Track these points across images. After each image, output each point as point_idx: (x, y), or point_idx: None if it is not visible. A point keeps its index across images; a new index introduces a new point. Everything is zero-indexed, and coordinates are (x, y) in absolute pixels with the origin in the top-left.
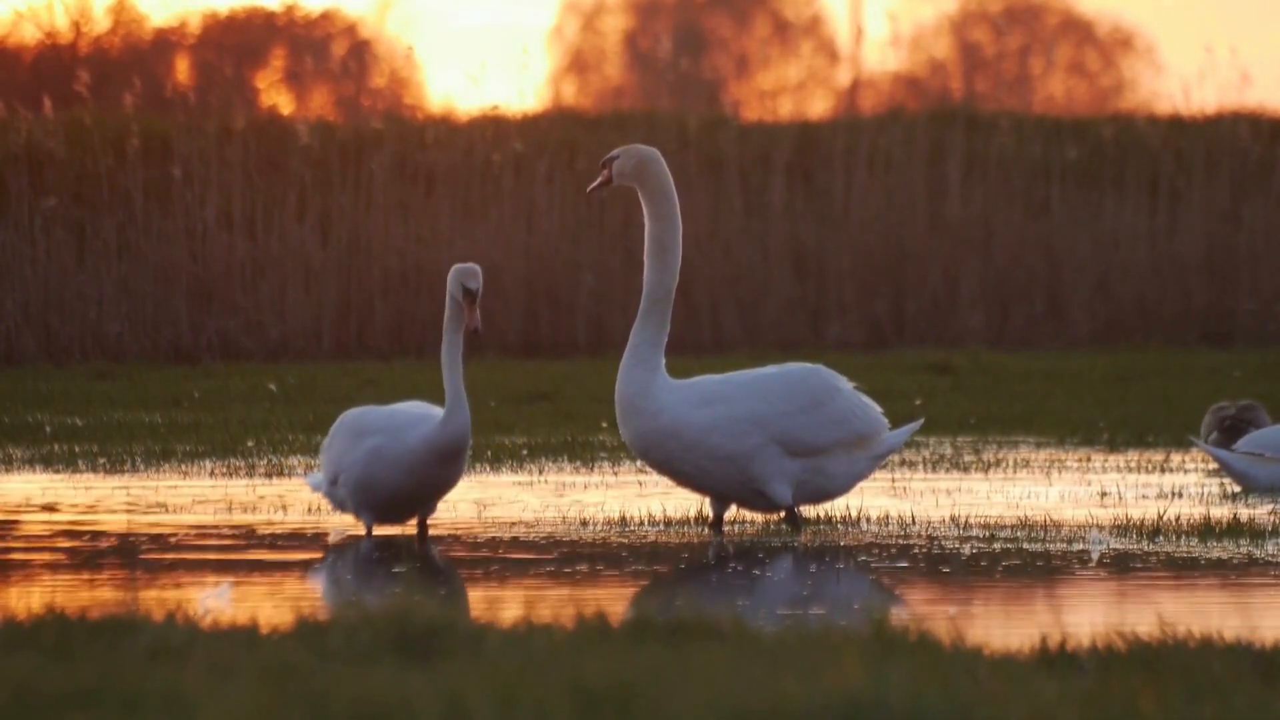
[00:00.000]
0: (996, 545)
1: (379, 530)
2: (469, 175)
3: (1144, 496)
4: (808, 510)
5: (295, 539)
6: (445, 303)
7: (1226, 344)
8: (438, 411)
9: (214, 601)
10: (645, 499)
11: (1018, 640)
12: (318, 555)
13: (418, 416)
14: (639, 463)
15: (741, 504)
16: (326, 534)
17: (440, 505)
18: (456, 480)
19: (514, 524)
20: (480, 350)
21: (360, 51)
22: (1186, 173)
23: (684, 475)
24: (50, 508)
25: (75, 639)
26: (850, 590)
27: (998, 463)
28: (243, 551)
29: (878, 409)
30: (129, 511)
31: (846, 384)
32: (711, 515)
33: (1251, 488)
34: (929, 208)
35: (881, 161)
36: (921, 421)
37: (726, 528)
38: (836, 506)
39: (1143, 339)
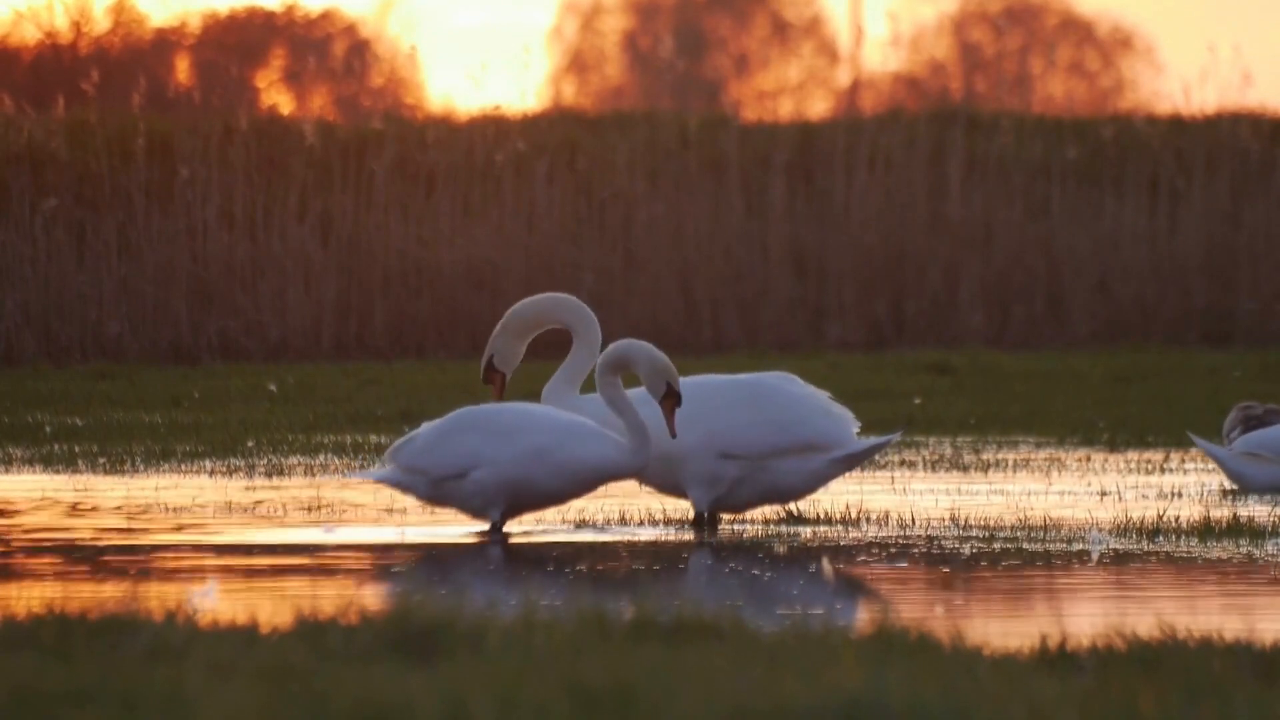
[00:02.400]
0: (996, 545)
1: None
2: (469, 175)
3: (1144, 496)
4: (806, 508)
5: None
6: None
7: (1226, 344)
8: (587, 422)
9: (202, 600)
10: (645, 499)
11: (1018, 640)
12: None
13: (580, 425)
14: None
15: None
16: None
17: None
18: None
19: (514, 523)
20: (481, 350)
21: (360, 51)
22: (1186, 173)
23: None
24: (76, 509)
25: (75, 639)
26: (839, 591)
27: (998, 463)
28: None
29: (843, 416)
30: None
31: (805, 390)
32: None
33: (1247, 487)
34: (929, 208)
35: (881, 161)
36: (900, 434)
37: (725, 528)
38: (836, 506)
39: (1143, 339)
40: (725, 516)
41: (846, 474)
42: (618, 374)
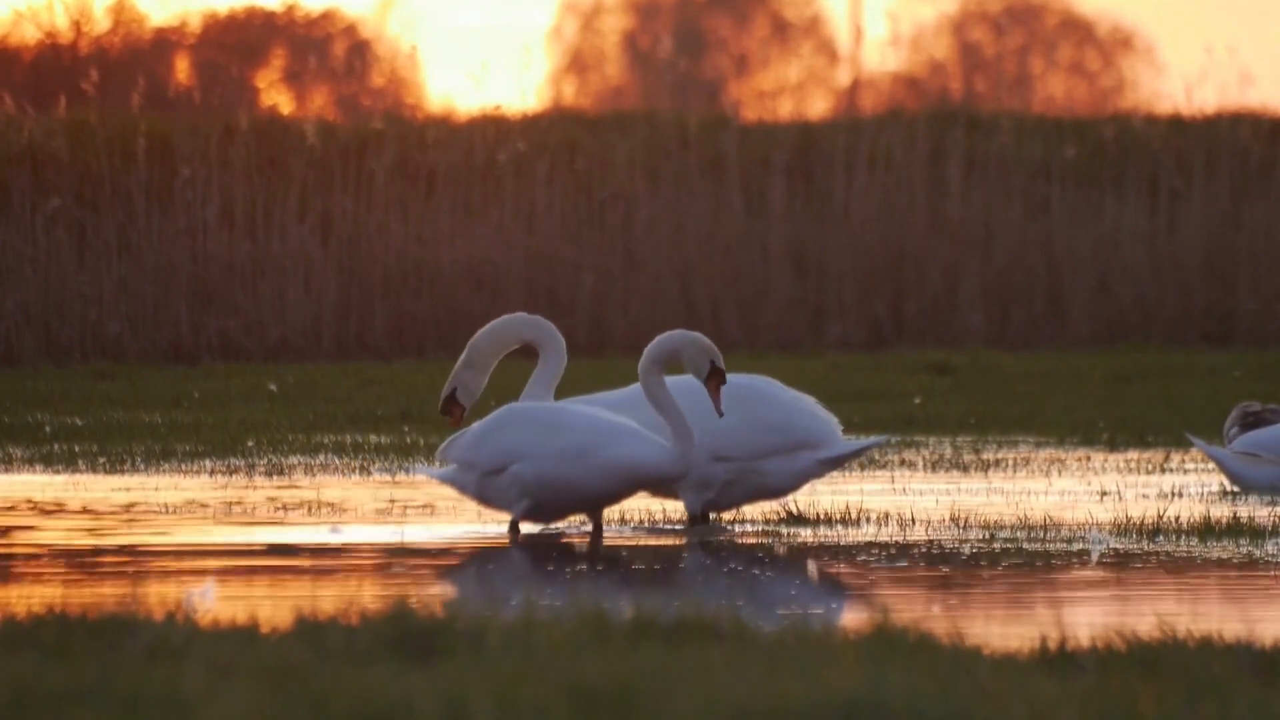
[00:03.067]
0: (996, 545)
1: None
2: (469, 175)
3: (1144, 496)
4: (806, 508)
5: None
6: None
7: (1226, 344)
8: (631, 423)
9: (200, 599)
10: (645, 499)
11: (1017, 640)
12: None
13: (625, 426)
14: None
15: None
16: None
17: (440, 505)
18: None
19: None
20: None
21: (360, 51)
22: (1186, 173)
23: None
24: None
25: (75, 639)
26: (832, 592)
27: (998, 463)
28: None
29: (829, 419)
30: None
31: (791, 392)
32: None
33: (1245, 488)
34: (929, 208)
35: (881, 161)
36: (886, 439)
37: (724, 528)
38: (836, 506)
39: (1143, 339)
40: (726, 517)
41: (832, 473)
42: (663, 370)
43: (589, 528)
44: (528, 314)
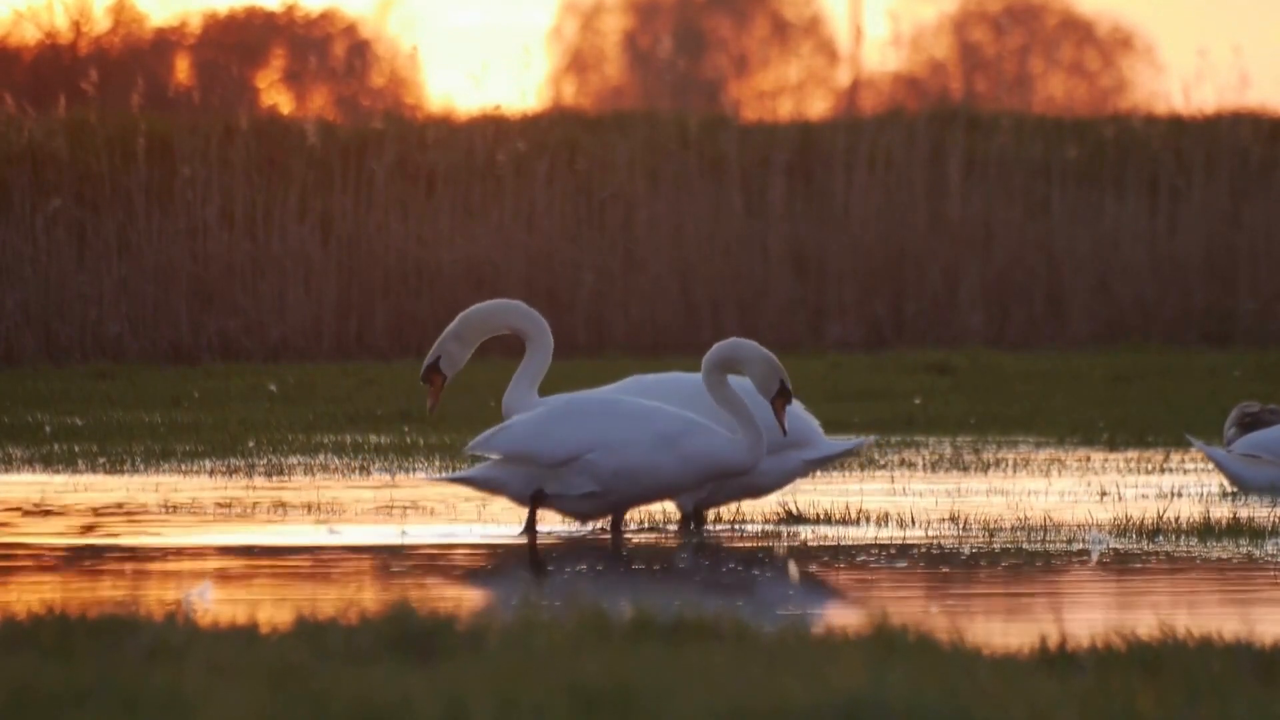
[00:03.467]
0: (996, 545)
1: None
2: (469, 175)
3: (1144, 496)
4: (806, 508)
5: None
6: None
7: (1226, 344)
8: (695, 416)
9: (198, 599)
10: None
11: (1017, 640)
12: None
13: (694, 418)
14: None
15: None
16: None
17: (439, 506)
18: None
19: (515, 523)
20: (480, 350)
21: (360, 51)
22: (1186, 173)
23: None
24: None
25: (75, 639)
26: (833, 590)
27: (998, 463)
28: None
29: (812, 420)
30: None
31: None
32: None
33: (1246, 489)
34: (929, 208)
35: (881, 161)
36: (871, 439)
37: (724, 528)
38: (836, 506)
39: (1143, 339)
40: (726, 517)
41: (819, 472)
42: (726, 373)
43: (583, 528)
44: (525, 304)
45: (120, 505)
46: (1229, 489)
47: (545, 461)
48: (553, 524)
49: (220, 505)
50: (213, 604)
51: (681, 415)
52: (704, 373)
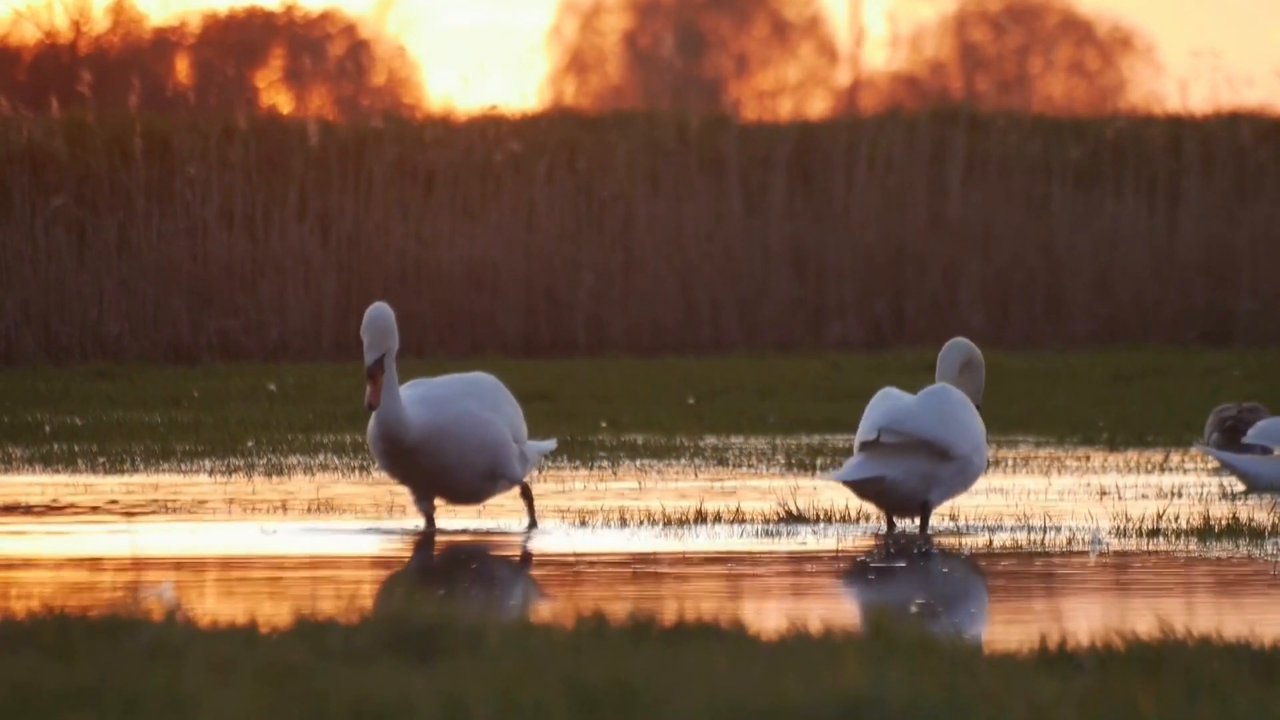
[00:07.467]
0: (996, 545)
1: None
2: (469, 175)
3: (1144, 496)
4: (806, 507)
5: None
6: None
7: (1226, 344)
8: None
9: (159, 599)
10: (645, 499)
11: (1017, 640)
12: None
13: None
14: (639, 462)
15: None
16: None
17: (439, 506)
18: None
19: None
20: (480, 350)
21: (359, 51)
22: (1186, 173)
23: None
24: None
25: (75, 638)
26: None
27: (997, 462)
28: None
29: None
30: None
31: None
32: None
33: (1257, 487)
34: (929, 208)
35: (881, 161)
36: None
37: (725, 527)
38: (836, 505)
39: (1142, 339)
40: (726, 516)
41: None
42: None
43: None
44: (381, 308)
45: (124, 505)
46: (1231, 488)
47: (960, 453)
48: (554, 524)
49: (219, 505)
50: (175, 602)
51: None
52: (946, 374)
